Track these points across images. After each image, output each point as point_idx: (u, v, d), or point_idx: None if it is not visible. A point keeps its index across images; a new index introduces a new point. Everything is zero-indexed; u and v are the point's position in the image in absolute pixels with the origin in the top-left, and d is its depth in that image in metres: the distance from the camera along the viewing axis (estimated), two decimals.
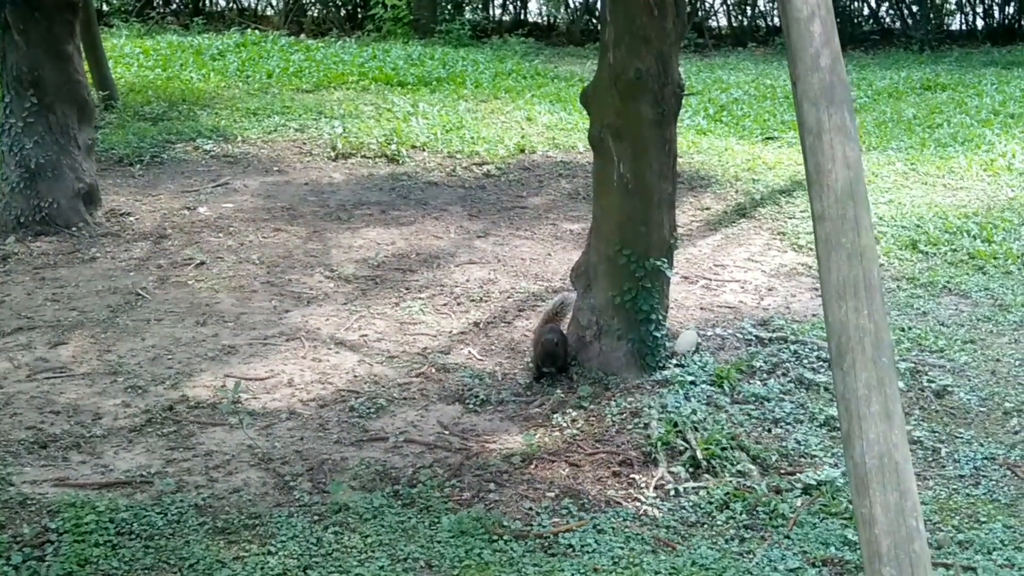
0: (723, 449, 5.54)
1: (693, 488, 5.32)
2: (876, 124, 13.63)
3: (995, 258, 8.57)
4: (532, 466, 5.52)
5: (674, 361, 6.46)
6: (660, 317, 6.33)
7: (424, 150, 11.77)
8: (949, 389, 6.35)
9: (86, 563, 4.53)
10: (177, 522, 4.93)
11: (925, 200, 10.08)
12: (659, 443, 5.56)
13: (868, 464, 3.42)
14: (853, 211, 3.79)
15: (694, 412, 5.83)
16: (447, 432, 5.87)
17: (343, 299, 7.68)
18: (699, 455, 5.45)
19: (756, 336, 6.94)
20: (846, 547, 4.86)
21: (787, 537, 4.95)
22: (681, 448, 5.59)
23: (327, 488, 5.28)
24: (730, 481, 5.35)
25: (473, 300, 7.68)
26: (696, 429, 5.70)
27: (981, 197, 10.21)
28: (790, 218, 9.61)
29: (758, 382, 6.37)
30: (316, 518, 5.02)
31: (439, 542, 4.85)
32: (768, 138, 13.08)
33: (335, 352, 6.82)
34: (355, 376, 6.49)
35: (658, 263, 6.23)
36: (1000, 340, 7.15)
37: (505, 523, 5.00)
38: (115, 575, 4.49)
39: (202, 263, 8.28)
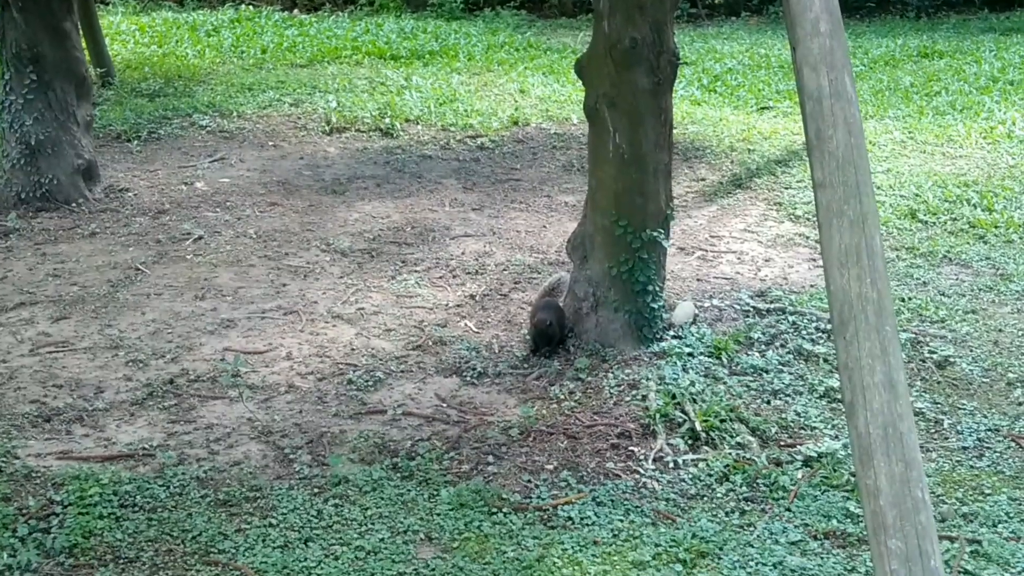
0: (722, 421, 5.53)
1: (692, 460, 5.31)
2: (873, 92, 13.60)
3: (996, 227, 8.54)
4: (530, 439, 5.51)
5: (671, 333, 6.44)
6: (657, 288, 6.32)
7: (418, 123, 11.75)
8: (951, 360, 6.32)
9: (91, 535, 4.53)
10: (180, 494, 4.94)
11: (924, 169, 10.05)
12: (657, 415, 5.55)
13: (872, 435, 3.40)
14: (855, 177, 3.77)
15: (692, 384, 5.82)
16: (445, 405, 5.87)
17: (340, 273, 7.66)
18: (698, 427, 5.45)
19: (754, 307, 6.92)
20: (848, 519, 4.84)
21: (788, 510, 4.94)
22: (680, 420, 5.58)
23: (326, 461, 5.27)
24: (729, 453, 5.34)
25: (469, 273, 7.66)
26: (694, 401, 5.69)
27: (981, 165, 10.17)
28: (786, 188, 9.58)
29: (756, 353, 6.35)
30: (316, 490, 5.01)
31: (438, 515, 4.85)
32: (763, 108, 13.05)
33: (332, 326, 6.80)
34: (353, 349, 6.48)
35: (654, 234, 6.21)
36: (1002, 310, 7.13)
37: (504, 495, 5.00)
38: (119, 547, 4.49)
39: (200, 238, 8.26)
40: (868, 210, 3.69)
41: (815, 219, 8.78)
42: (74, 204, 8.88)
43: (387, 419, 5.70)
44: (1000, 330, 6.82)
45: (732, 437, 5.45)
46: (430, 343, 6.56)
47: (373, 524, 4.76)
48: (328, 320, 6.89)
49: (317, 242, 8.23)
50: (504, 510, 4.89)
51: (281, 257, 7.93)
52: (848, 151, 3.79)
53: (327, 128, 11.57)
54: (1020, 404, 5.91)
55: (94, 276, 7.51)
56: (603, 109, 6.12)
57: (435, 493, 5.01)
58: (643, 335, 6.28)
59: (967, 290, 7.45)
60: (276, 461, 5.30)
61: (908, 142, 11.03)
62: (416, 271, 7.69)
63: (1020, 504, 4.95)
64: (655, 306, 6.30)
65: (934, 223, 8.72)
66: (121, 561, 4.41)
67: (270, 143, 11.13)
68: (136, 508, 4.77)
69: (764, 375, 6.10)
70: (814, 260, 8.00)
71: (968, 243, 8.32)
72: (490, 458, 5.35)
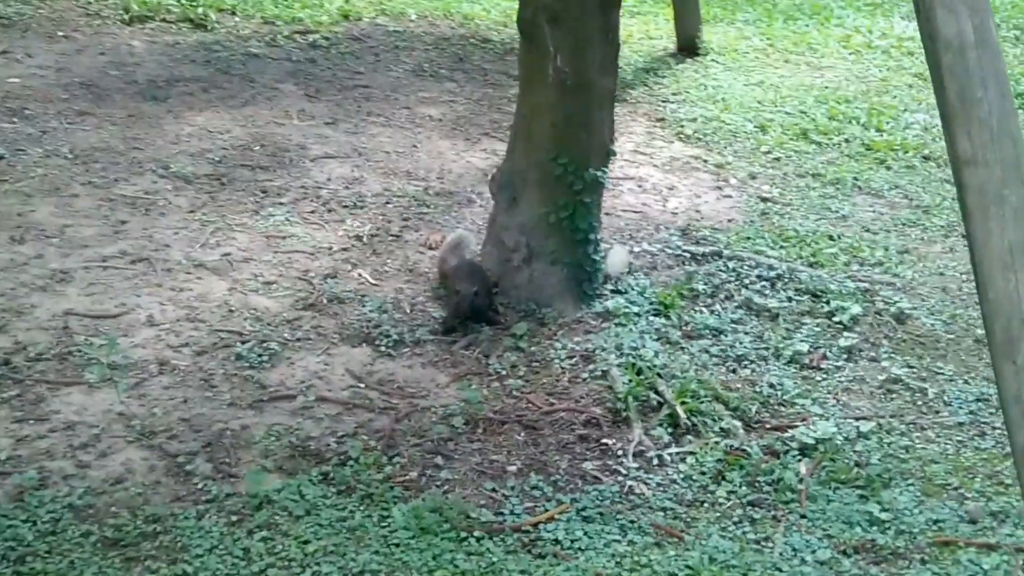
0: (698, 400, 4.73)
1: (678, 454, 4.50)
2: None
3: (893, 150, 8.03)
4: (480, 430, 4.58)
5: (609, 286, 5.57)
6: (598, 237, 5.41)
7: (235, 14, 10.27)
8: (907, 313, 5.74)
9: None
10: (52, 533, 3.81)
11: (794, 81, 9.44)
12: (629, 398, 4.68)
13: None
14: (1014, 152, 2.94)
15: (656, 355, 4.98)
16: (362, 385, 4.84)
17: (188, 205, 6.38)
18: (680, 413, 4.61)
19: (687, 251, 6.12)
20: (874, 527, 4.18)
21: (803, 516, 4.21)
22: (653, 402, 4.73)
23: (234, 471, 4.20)
24: (716, 443, 4.56)
25: (346, 206, 6.52)
26: (661, 376, 4.86)
27: (851, 79, 9.65)
28: (664, 102, 8.77)
29: (704, 309, 5.59)
30: (233, 518, 3.96)
31: (396, 545, 3.89)
32: None
33: (197, 278, 5.60)
34: (230, 310, 5.32)
35: (598, 173, 5.29)
36: (934, 249, 6.59)
37: (470, 513, 4.06)
38: None
39: (1, 158, 6.76)
40: None
41: (706, 140, 8.12)
42: None
43: (297, 407, 4.64)
44: (942, 273, 6.29)
45: (715, 421, 4.70)
46: (324, 301, 5.46)
47: (319, 564, 3.76)
48: (189, 270, 5.66)
49: (151, 164, 6.87)
50: (475, 534, 3.98)
51: (110, 184, 6.56)
52: (1004, 118, 2.94)
53: (126, 16, 9.91)
54: None
55: None
56: (542, 25, 5.09)
57: (385, 514, 4.03)
58: (583, 291, 5.39)
59: (890, 225, 6.89)
60: (169, 474, 4.18)
61: (769, 50, 10.39)
62: (281, 203, 6.50)
63: None
64: (596, 258, 5.41)
65: (828, 145, 8.13)
66: None
67: (59, 33, 9.46)
68: None
69: (722, 337, 5.36)
70: (719, 188, 7.27)
71: (872, 168, 7.77)
72: (438, 459, 4.39)
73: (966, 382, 5.21)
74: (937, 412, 4.98)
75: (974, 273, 2.97)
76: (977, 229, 2.91)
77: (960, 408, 5.00)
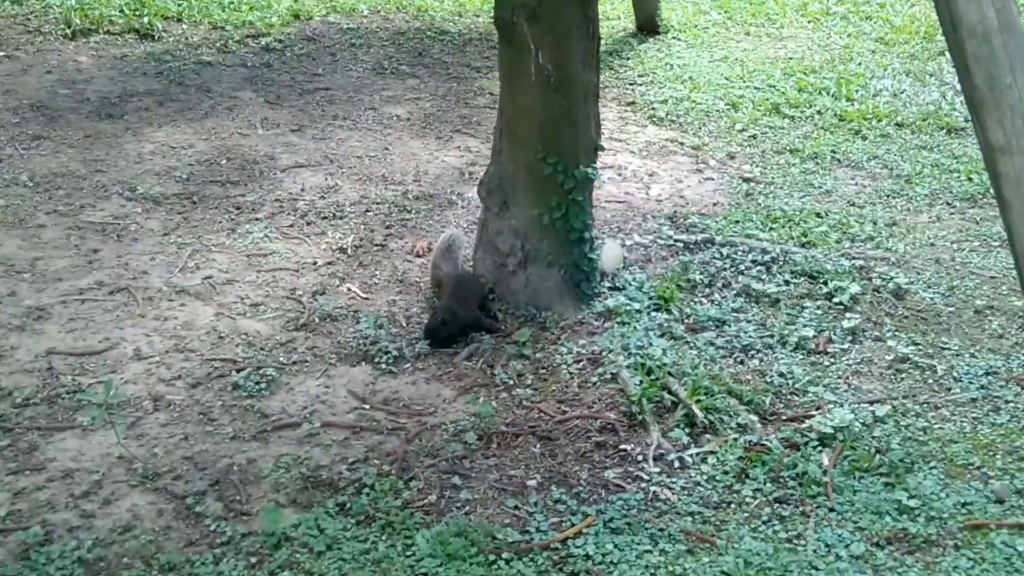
0: (712, 397, 4.64)
1: (699, 455, 4.40)
2: None
3: (865, 119, 7.97)
4: (494, 445, 4.44)
5: (606, 284, 5.45)
6: (592, 235, 5.29)
7: (181, 21, 10.03)
8: (905, 288, 5.67)
9: None
10: None
11: (759, 54, 9.36)
12: (643, 400, 4.57)
13: None
14: None
15: (664, 353, 4.87)
16: (367, 406, 4.69)
17: (161, 228, 6.19)
18: (696, 412, 4.51)
19: (679, 241, 6.02)
20: (904, 515, 4.09)
21: (832, 510, 4.11)
22: (667, 402, 4.63)
23: (245, 508, 4.04)
24: (735, 440, 4.46)
25: (325, 217, 6.36)
26: (672, 374, 4.75)
27: (813, 47, 9.59)
28: (632, 84, 8.66)
29: (704, 299, 5.49)
30: (253, 560, 3.80)
31: (425, 574, 3.74)
32: None
33: (180, 304, 5.42)
34: (220, 337, 5.15)
35: (587, 170, 5.16)
36: (920, 219, 6.54)
37: (496, 533, 3.93)
38: None
39: None
40: None
41: (679, 121, 8.01)
42: None
43: (302, 435, 4.48)
44: (932, 244, 6.24)
45: (731, 418, 4.59)
46: (316, 320, 5.30)
47: None
48: (171, 297, 5.48)
49: (116, 187, 6.66)
50: (504, 556, 3.83)
51: (76, 211, 6.35)
52: None
53: (68, 31, 9.64)
54: (1001, 337, 5.33)
55: None
56: (521, 23, 4.94)
57: (409, 542, 3.89)
58: (582, 291, 5.27)
59: (875, 197, 6.83)
60: (178, 518, 4.01)
61: (729, 24, 10.32)
62: (257, 219, 6.31)
63: None
64: (593, 256, 5.28)
65: (801, 118, 8.06)
66: None
67: (0, 53, 9.19)
68: None
69: (725, 328, 5.27)
70: (700, 171, 7.17)
71: (848, 140, 7.70)
72: (455, 479, 4.25)
73: (973, 356, 5.14)
74: (949, 390, 4.91)
75: (1016, 266, 2.88)
76: (1017, 220, 2.81)
77: (971, 384, 4.93)
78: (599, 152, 5.32)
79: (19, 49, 9.30)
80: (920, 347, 5.21)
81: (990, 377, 4.99)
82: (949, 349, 5.20)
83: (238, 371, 4.85)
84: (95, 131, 7.57)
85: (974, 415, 4.73)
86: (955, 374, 5.01)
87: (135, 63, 9.03)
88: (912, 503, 4.13)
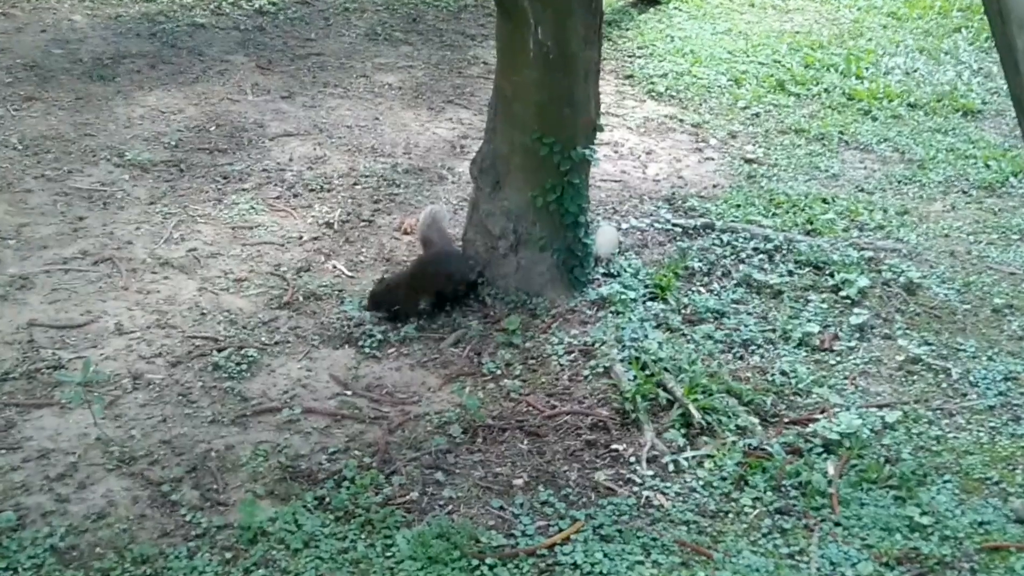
0: (710, 396, 4.50)
1: (695, 458, 4.25)
2: None
3: (876, 99, 7.80)
4: (480, 440, 4.32)
5: (600, 269, 5.33)
6: (587, 219, 5.17)
7: None
8: (917, 282, 5.50)
9: None
10: None
11: (764, 27, 9.19)
12: (637, 397, 4.44)
13: None
14: None
15: (659, 346, 4.75)
16: (349, 392, 4.58)
17: (147, 196, 6.06)
18: (693, 411, 4.38)
19: (677, 225, 5.88)
20: (915, 533, 3.89)
21: (837, 524, 3.93)
22: (662, 400, 4.49)
23: (222, 498, 3.94)
24: (734, 443, 4.30)
25: (312, 190, 6.23)
26: (668, 370, 4.62)
27: (821, 21, 9.42)
28: (631, 57, 8.50)
29: (702, 289, 5.37)
30: (228, 555, 3.70)
31: None
32: None
33: (163, 277, 5.30)
34: (202, 313, 5.03)
35: (585, 152, 5.02)
36: (934, 208, 6.38)
37: (480, 537, 3.81)
38: None
39: None
40: None
41: (679, 97, 7.87)
42: None
43: (282, 421, 4.38)
44: (947, 235, 6.08)
45: (730, 419, 4.42)
46: (300, 298, 5.19)
47: None
48: (155, 269, 5.36)
49: (104, 152, 6.53)
50: (487, 561, 3.71)
51: (64, 176, 6.22)
52: None
53: None
54: (1022, 339, 5.15)
55: None
56: None
57: (389, 542, 3.78)
58: (575, 278, 5.15)
59: (885, 183, 6.67)
60: (153, 506, 3.91)
61: None
62: (244, 190, 6.19)
63: None
64: (587, 241, 5.16)
65: (807, 96, 7.91)
66: None
67: None
68: None
69: (724, 320, 5.13)
70: (700, 150, 7.03)
71: (857, 121, 7.55)
72: (438, 475, 4.14)
73: (990, 359, 4.96)
74: (964, 395, 4.72)
75: None
76: None
77: (988, 389, 4.74)
78: (598, 132, 5.18)
79: (15, 7, 9.14)
80: (933, 347, 5.05)
81: (1009, 383, 4.79)
82: (965, 351, 5.03)
83: (219, 351, 4.74)
84: (86, 93, 7.42)
85: (992, 424, 4.55)
86: (971, 378, 4.83)
87: (129, 23, 8.88)
88: (924, 520, 3.94)
